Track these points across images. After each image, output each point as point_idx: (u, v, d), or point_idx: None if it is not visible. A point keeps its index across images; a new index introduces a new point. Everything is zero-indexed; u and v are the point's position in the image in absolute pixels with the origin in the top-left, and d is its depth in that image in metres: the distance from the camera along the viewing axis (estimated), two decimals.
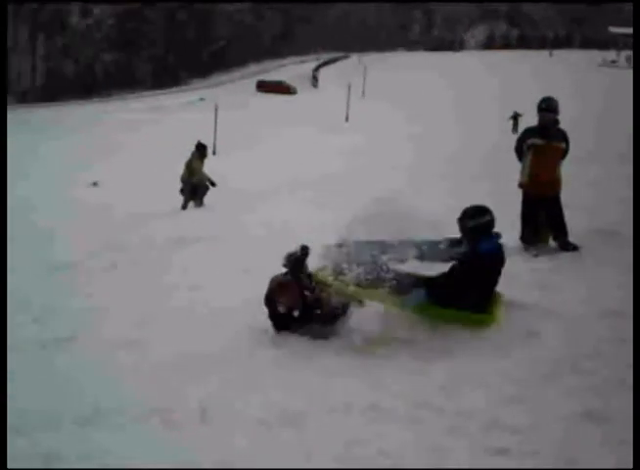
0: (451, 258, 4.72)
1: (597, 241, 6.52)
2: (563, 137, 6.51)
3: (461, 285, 4.52)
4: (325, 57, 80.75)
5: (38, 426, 3.73)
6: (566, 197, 6.56)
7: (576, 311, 4.78)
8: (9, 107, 36.90)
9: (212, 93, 52.26)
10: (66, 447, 3.47)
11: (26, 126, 33.63)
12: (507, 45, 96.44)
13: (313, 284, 4.91)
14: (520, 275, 5.42)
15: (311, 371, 4.20)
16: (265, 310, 4.90)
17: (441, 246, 4.91)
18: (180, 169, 12.24)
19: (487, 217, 4.64)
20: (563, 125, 6.56)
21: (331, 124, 32.24)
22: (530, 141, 6.46)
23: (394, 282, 4.69)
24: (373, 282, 4.73)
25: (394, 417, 3.61)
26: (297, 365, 4.31)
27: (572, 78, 48.87)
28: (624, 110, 16.19)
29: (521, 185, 6.61)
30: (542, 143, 6.41)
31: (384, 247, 4.87)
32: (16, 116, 35.60)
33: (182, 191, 12.21)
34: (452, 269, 4.62)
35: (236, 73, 72.02)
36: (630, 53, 58.87)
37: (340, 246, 5.00)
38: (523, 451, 3.21)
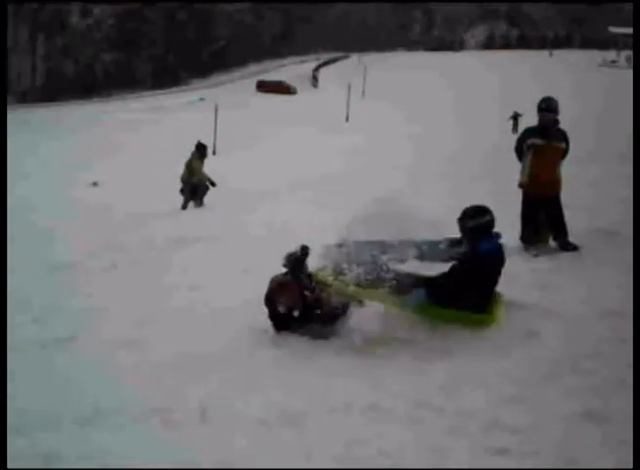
0: (451, 258, 4.72)
1: (597, 241, 6.52)
2: (563, 137, 6.51)
3: (461, 285, 4.52)
4: (325, 57, 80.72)
5: (38, 426, 3.74)
6: (566, 197, 6.55)
7: (576, 311, 4.78)
8: (9, 107, 36.93)
9: (212, 93, 52.26)
10: (66, 447, 3.47)
11: (26, 126, 33.64)
12: (507, 45, 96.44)
13: (313, 284, 4.91)
14: (520, 275, 5.42)
15: (311, 371, 4.20)
16: (265, 310, 4.90)
17: (441, 246, 4.90)
18: (180, 169, 12.24)
19: (487, 217, 4.64)
20: (563, 125, 6.56)
21: (331, 124, 32.25)
22: (530, 141, 6.46)
23: (394, 282, 4.68)
24: (373, 282, 4.73)
25: (394, 417, 3.61)
26: (297, 365, 4.31)
27: (572, 78, 48.89)
28: (624, 110, 16.20)
29: (521, 185, 6.61)
30: (542, 143, 6.40)
31: (384, 247, 4.87)
32: (16, 116, 35.62)
33: (182, 191, 12.21)
34: (452, 269, 4.63)
35: (236, 73, 72.01)
36: (630, 53, 58.88)
37: (340, 246, 5.00)
38: (523, 451, 3.21)
